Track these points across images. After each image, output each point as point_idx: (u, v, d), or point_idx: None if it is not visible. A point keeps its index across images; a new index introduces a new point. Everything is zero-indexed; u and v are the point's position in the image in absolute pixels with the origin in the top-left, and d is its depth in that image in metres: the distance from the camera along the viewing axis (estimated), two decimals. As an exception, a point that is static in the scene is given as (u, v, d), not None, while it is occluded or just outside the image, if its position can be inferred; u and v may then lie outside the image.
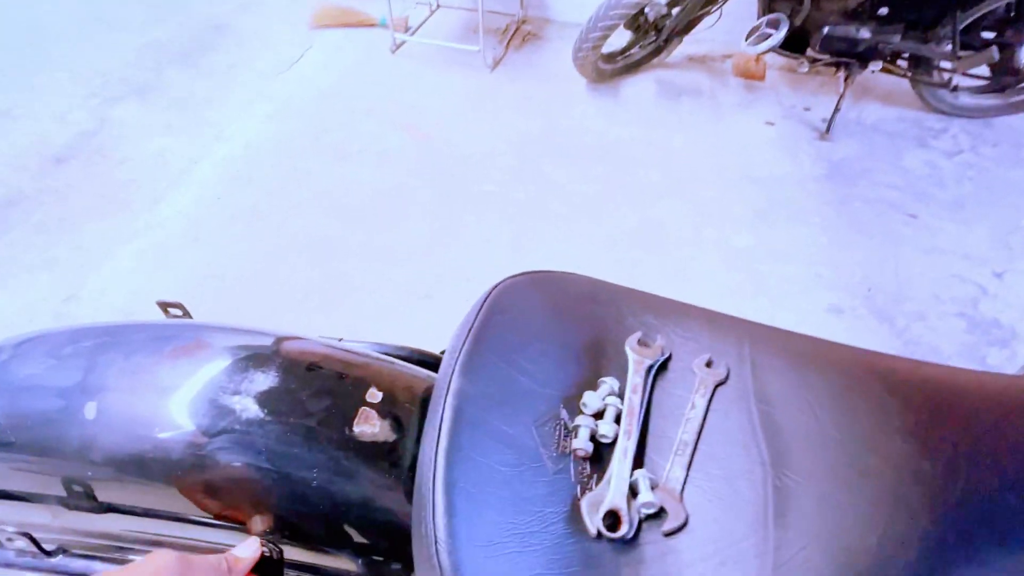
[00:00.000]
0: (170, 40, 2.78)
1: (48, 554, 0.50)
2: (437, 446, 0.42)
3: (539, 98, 2.48)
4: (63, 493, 0.49)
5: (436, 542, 0.39)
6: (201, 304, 1.76)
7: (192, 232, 1.94)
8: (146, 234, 1.94)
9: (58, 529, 0.51)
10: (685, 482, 0.46)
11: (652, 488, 0.45)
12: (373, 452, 0.47)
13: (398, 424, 0.49)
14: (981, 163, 2.23)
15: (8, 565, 0.51)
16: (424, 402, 0.51)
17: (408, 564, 0.50)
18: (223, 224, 1.97)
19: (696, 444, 0.47)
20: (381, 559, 0.49)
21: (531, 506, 0.43)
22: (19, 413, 0.49)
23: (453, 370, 0.46)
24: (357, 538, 0.48)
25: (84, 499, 0.49)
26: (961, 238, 1.97)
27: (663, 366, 0.53)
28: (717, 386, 0.50)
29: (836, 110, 2.29)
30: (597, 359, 0.52)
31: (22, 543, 0.49)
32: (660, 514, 0.45)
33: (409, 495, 0.47)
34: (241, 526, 0.48)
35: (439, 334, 0.64)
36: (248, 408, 0.46)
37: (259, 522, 0.46)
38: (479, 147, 2.26)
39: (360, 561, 0.49)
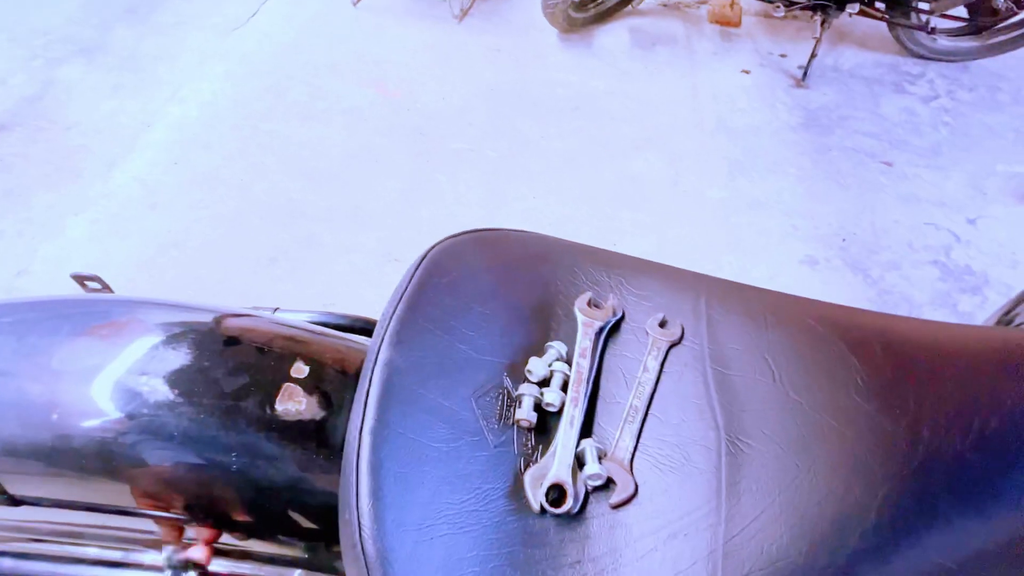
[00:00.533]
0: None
1: (-47, 551, 0.46)
2: (362, 424, 0.39)
3: (509, 50, 2.39)
4: (-32, 485, 0.45)
5: (360, 528, 0.36)
6: (162, 274, 1.70)
7: (148, 199, 1.86)
8: (100, 203, 1.85)
9: (-31, 522, 0.48)
10: (635, 451, 0.43)
11: (600, 458, 0.42)
12: (299, 431, 0.44)
13: (327, 400, 0.45)
14: (957, 108, 2.20)
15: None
16: (359, 375, 0.47)
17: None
18: (181, 190, 1.88)
19: (647, 410, 0.45)
20: (321, 543, 0.47)
21: (469, 483, 0.40)
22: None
23: (382, 341, 0.43)
24: (291, 522, 0.45)
25: (-7, 490, 0.45)
26: (936, 185, 1.95)
27: (615, 328, 0.49)
28: (671, 347, 0.47)
29: (812, 56, 2.23)
30: (545, 322, 0.48)
31: (-78, 541, 0.46)
32: (608, 486, 0.42)
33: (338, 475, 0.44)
34: (167, 513, 0.44)
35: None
36: (157, 390, 0.42)
37: (181, 509, 0.43)
38: (449, 103, 2.17)
39: (299, 546, 0.46)
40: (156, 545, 0.46)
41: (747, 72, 2.32)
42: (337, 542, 0.47)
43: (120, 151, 2.00)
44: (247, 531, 0.45)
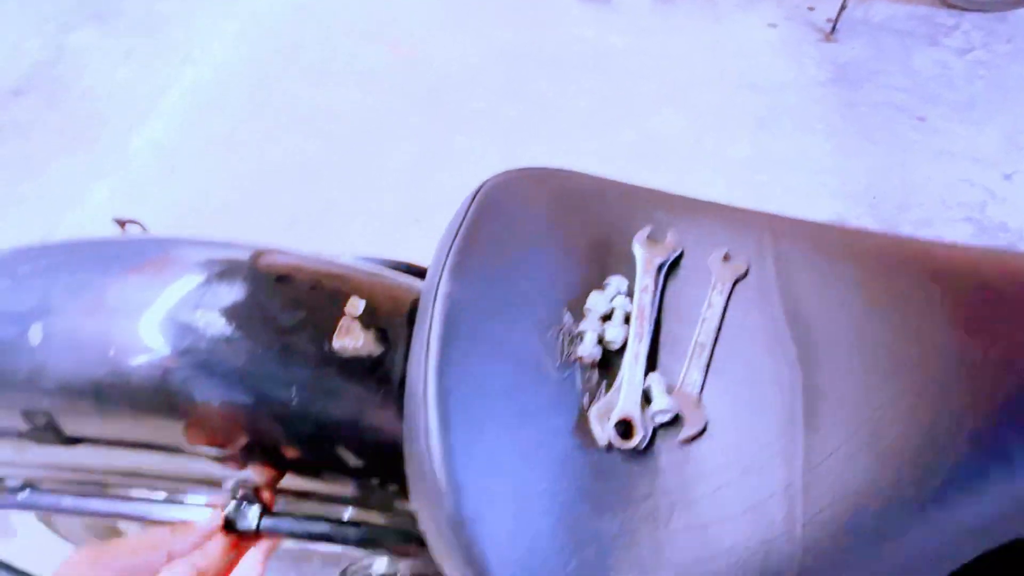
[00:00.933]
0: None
1: (12, 491, 0.46)
2: (427, 356, 0.38)
3: (525, 7, 2.32)
4: (25, 426, 0.45)
5: (431, 459, 0.35)
6: (183, 238, 1.70)
7: (167, 163, 1.85)
8: (119, 167, 1.84)
9: (24, 464, 0.47)
10: (703, 386, 0.42)
11: (667, 393, 0.41)
12: (357, 368, 0.43)
13: (384, 336, 0.44)
14: (994, 60, 2.12)
15: (-28, 503, 0.47)
16: (413, 312, 0.46)
17: (406, 485, 0.47)
18: (199, 153, 1.87)
19: (714, 345, 0.43)
20: (376, 482, 0.46)
21: (534, 418, 0.39)
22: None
23: (441, 273, 0.41)
24: (348, 461, 0.44)
25: (48, 432, 0.45)
26: (971, 140, 1.89)
27: (675, 264, 0.48)
28: (736, 282, 0.46)
29: (842, 8, 2.14)
30: (602, 259, 0.47)
31: (-17, 479, 0.46)
32: (676, 421, 0.41)
33: (401, 413, 0.43)
34: (222, 451, 0.44)
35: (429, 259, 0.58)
36: (213, 324, 0.41)
37: (237, 448, 0.42)
38: (465, 62, 2.13)
39: (354, 484, 0.46)
40: (216, 485, 0.46)
41: (773, 26, 2.25)
42: (393, 481, 0.47)
43: (136, 116, 1.98)
44: (304, 470, 0.44)
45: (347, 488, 0.46)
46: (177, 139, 1.91)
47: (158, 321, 0.42)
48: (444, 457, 0.35)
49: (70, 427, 0.45)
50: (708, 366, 0.42)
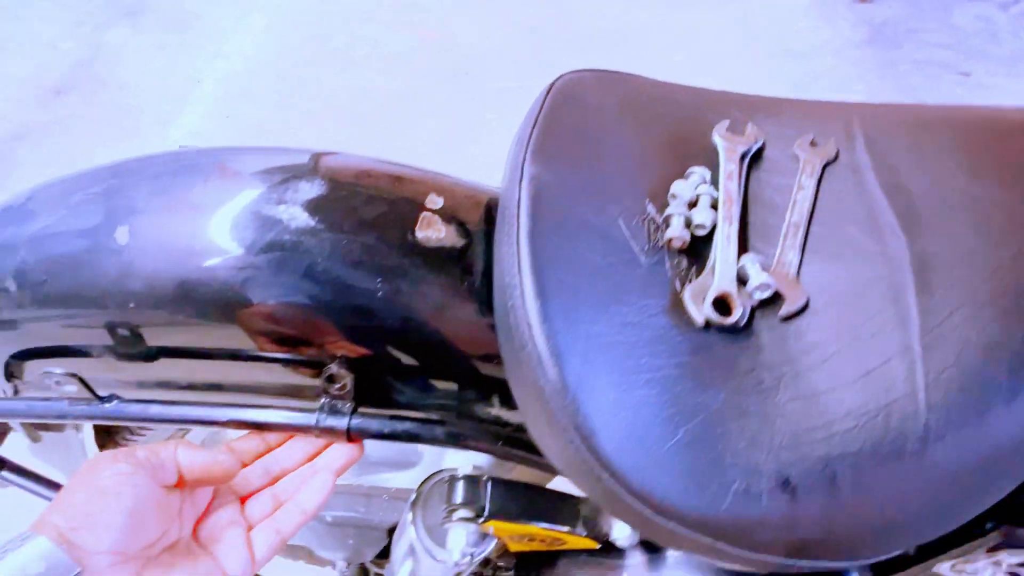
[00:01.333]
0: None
1: (102, 399, 0.46)
2: (518, 229, 0.37)
3: (550, -16, 2.31)
4: (110, 340, 0.45)
5: (530, 327, 0.34)
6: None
7: (204, 152, 1.87)
8: (157, 158, 1.88)
9: (112, 380, 0.47)
10: (800, 265, 0.40)
11: (764, 271, 0.39)
12: (442, 258, 0.42)
13: (465, 230, 0.43)
14: (1039, 12, 2.04)
15: (61, 416, 0.47)
16: (490, 210, 0.45)
17: (489, 390, 0.46)
18: (234, 141, 1.89)
19: (809, 225, 0.41)
20: (458, 387, 0.45)
21: (628, 297, 0.38)
22: (49, 258, 0.44)
23: (525, 156, 0.40)
24: (431, 361, 0.43)
25: (133, 344, 0.45)
26: (1018, 95, 1.82)
27: (757, 156, 0.46)
28: (827, 165, 0.44)
29: (877, -33, 2.09)
30: (681, 151, 0.45)
31: (73, 387, 0.46)
32: (775, 300, 0.39)
33: (484, 307, 0.42)
34: (304, 354, 0.43)
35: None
36: (296, 217, 0.41)
37: (321, 349, 0.42)
38: (490, 42, 2.12)
39: (438, 387, 0.45)
40: (299, 394, 0.45)
41: (805, -11, 2.20)
42: (476, 384, 0.46)
43: (173, 108, 2.02)
44: (388, 370, 0.44)
45: (430, 393, 0.45)
46: (213, 129, 1.94)
47: (239, 219, 0.41)
48: (543, 324, 0.34)
49: (153, 338, 0.45)
50: (804, 246, 0.41)
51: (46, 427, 0.61)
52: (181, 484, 0.41)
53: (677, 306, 0.39)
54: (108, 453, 0.40)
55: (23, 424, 0.62)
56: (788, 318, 0.38)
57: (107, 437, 0.64)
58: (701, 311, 0.38)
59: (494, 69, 2.04)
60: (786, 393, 0.36)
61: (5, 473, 0.62)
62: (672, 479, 0.33)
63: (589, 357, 0.35)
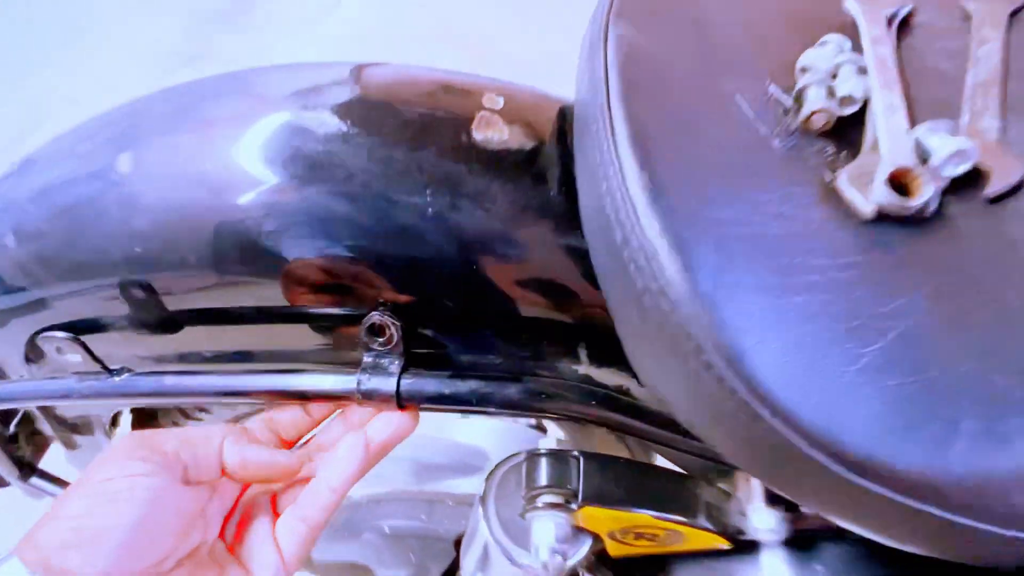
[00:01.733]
0: (204, 5, 2.72)
1: (111, 372, 0.39)
2: (607, 94, 0.27)
3: (596, -9, 2.26)
4: (125, 307, 0.38)
5: (634, 210, 0.25)
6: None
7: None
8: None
9: (128, 356, 0.40)
10: (1004, 130, 0.29)
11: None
12: (506, 164, 0.33)
13: (533, 132, 0.34)
14: None
15: (68, 395, 0.40)
16: (561, 116, 0.36)
17: (574, 340, 0.36)
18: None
19: (1005, 82, 0.30)
20: (530, 335, 0.35)
21: (765, 183, 0.28)
22: (57, 208, 0.38)
23: (608, 16, 0.31)
24: (496, 299, 0.34)
25: (150, 309, 0.37)
26: None
27: (904, 24, 0.35)
28: (1014, 13, 0.33)
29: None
30: (803, 22, 0.35)
31: (77, 357, 0.39)
32: (973, 178, 0.28)
33: (564, 225, 0.32)
34: (338, 311, 0.35)
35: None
36: (327, 123, 0.33)
37: (362, 299, 0.33)
38: (540, 51, 2.07)
39: (504, 337, 0.35)
40: (336, 358, 0.37)
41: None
42: (558, 336, 0.36)
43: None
44: (445, 317, 0.34)
45: (496, 348, 0.36)
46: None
47: (267, 141, 0.33)
48: (655, 202, 0.25)
49: (172, 301, 0.38)
50: (1003, 106, 0.30)
51: (76, 428, 0.55)
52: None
53: (829, 199, 0.28)
54: (125, 444, 0.32)
55: (57, 431, 0.57)
56: (998, 198, 0.27)
57: (150, 425, 0.57)
58: (870, 197, 0.28)
59: (547, 78, 1.99)
60: (1018, 299, 0.24)
61: (36, 480, 0.56)
62: (867, 419, 0.22)
63: (724, 248, 0.25)
